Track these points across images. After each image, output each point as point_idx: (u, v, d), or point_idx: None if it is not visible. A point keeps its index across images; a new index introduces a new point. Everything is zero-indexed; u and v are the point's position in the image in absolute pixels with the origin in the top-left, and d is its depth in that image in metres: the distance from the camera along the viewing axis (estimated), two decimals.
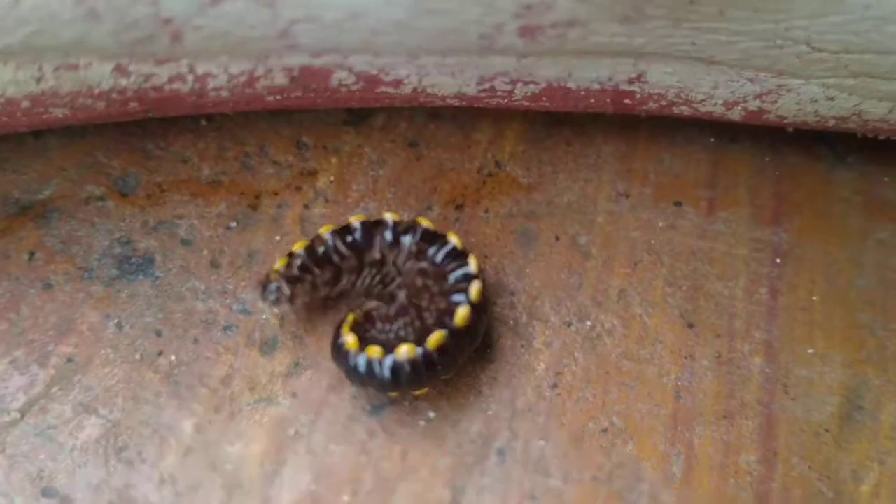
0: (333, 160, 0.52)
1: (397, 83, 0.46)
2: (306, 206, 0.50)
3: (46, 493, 0.43)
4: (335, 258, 0.45)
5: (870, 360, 0.47)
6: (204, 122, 0.53)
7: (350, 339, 0.43)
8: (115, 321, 0.47)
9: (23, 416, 0.44)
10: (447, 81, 0.46)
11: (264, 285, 0.45)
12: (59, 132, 0.51)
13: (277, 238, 0.49)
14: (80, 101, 0.44)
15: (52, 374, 0.45)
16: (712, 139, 0.53)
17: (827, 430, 0.45)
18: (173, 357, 0.46)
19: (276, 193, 0.51)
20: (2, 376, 0.45)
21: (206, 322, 0.47)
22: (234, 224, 0.50)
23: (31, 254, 0.48)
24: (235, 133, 0.52)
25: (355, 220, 0.46)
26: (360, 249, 0.46)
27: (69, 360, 0.46)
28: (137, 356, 0.46)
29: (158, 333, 0.47)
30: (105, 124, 0.51)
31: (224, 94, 0.45)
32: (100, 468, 0.43)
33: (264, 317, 0.47)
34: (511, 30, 0.42)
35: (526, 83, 0.46)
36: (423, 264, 0.46)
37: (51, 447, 0.43)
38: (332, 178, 0.51)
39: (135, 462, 0.43)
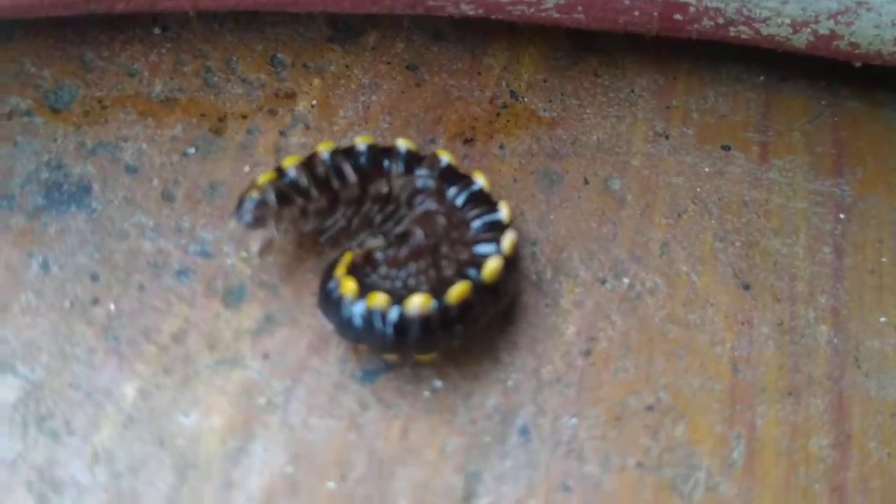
0: (316, 81, 0.44)
1: None
2: (282, 133, 0.42)
3: None
4: (334, 182, 0.37)
5: None
6: (157, 31, 0.44)
7: (348, 283, 0.35)
8: (40, 260, 0.39)
9: None
10: None
11: (241, 201, 0.36)
12: None
13: (246, 169, 0.41)
14: None
15: None
16: (762, 77, 0.47)
17: None
18: (112, 306, 0.38)
19: (244, 117, 0.43)
20: None
21: (155, 265, 0.39)
22: (192, 150, 0.41)
23: None
24: (196, 45, 0.44)
25: (361, 142, 0.38)
26: (364, 178, 0.38)
27: None
28: (67, 304, 0.38)
29: (94, 277, 0.38)
30: (36, 29, 0.43)
31: None
32: (16, 440, 0.35)
33: (229, 261, 0.39)
34: None
35: None
36: (441, 205, 0.38)
37: None
38: (314, 102, 0.43)
39: (61, 433, 0.35)
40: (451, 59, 0.46)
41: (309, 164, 0.38)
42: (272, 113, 0.43)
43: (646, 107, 0.45)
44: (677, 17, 0.41)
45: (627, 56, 0.47)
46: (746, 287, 0.41)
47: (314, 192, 0.37)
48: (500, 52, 0.46)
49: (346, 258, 0.37)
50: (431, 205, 0.38)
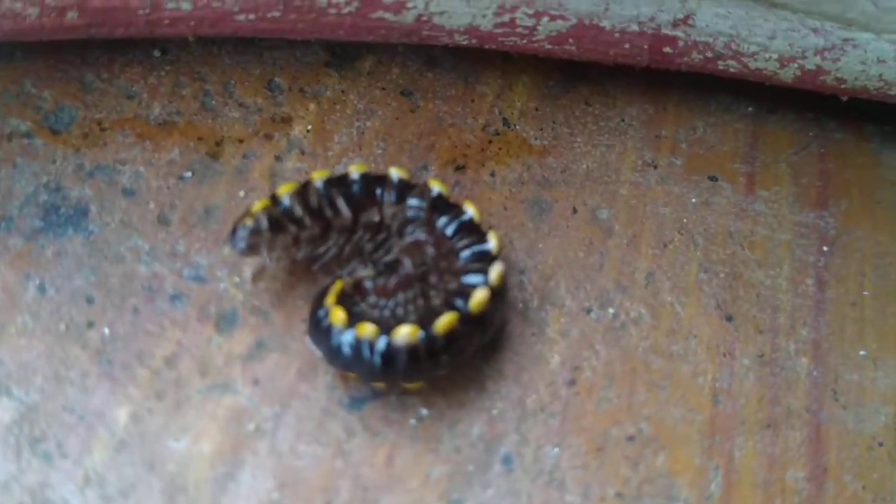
0: (312, 106, 0.44)
1: (399, 7, 0.38)
2: (278, 158, 0.42)
3: None
4: (327, 211, 0.38)
5: None
6: (157, 54, 0.44)
7: (337, 312, 0.36)
8: (37, 282, 0.39)
9: None
10: (459, 8, 0.38)
11: (235, 228, 0.37)
12: None
13: (241, 194, 0.42)
14: (6, 4, 0.36)
15: None
16: (750, 108, 0.47)
17: (881, 444, 0.39)
18: (106, 330, 0.38)
19: (241, 141, 0.43)
20: None
21: (150, 289, 0.39)
22: (188, 174, 0.42)
23: None
24: (194, 68, 0.44)
25: (355, 171, 0.39)
26: (357, 206, 0.38)
27: None
28: (62, 327, 0.38)
29: (90, 300, 0.38)
30: (36, 49, 0.43)
31: (185, 5, 0.37)
32: (9, 462, 0.35)
33: (222, 286, 0.39)
34: None
35: (553, 17, 0.39)
36: (431, 235, 0.39)
37: None
38: (309, 127, 0.44)
39: (54, 456, 0.35)
40: (444, 85, 0.46)
41: (302, 192, 0.38)
42: (268, 137, 0.43)
43: (635, 136, 0.46)
44: (667, 50, 0.41)
45: (618, 86, 0.47)
46: (729, 318, 0.41)
47: (307, 221, 0.38)
48: (494, 80, 0.46)
49: (336, 287, 0.37)
50: (421, 234, 0.39)
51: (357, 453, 0.37)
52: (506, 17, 0.39)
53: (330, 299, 0.37)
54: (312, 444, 0.36)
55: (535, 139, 0.45)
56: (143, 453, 0.36)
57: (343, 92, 0.45)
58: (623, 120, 0.46)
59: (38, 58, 0.44)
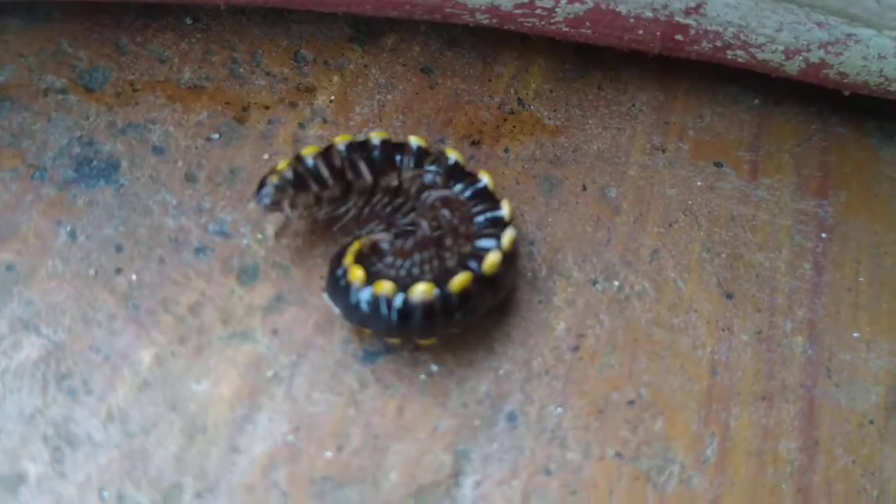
0: (335, 78, 0.46)
1: None
2: (301, 125, 0.44)
3: None
4: (349, 173, 0.39)
5: None
6: (189, 21, 0.46)
7: (355, 270, 0.37)
8: (68, 229, 0.40)
9: None
10: None
11: (261, 184, 0.38)
12: (21, 15, 0.44)
13: (265, 156, 0.43)
14: None
15: None
16: (756, 100, 0.49)
17: (871, 422, 0.41)
18: (134, 277, 0.39)
19: (267, 107, 0.44)
20: None
21: (176, 241, 0.40)
22: (215, 136, 0.43)
23: None
24: (224, 37, 0.46)
25: (376, 137, 0.40)
26: (377, 170, 0.40)
27: (9, 268, 0.39)
28: (92, 272, 0.39)
29: (118, 248, 0.40)
30: (74, 11, 0.45)
31: None
32: (36, 396, 0.37)
33: (245, 242, 0.41)
34: None
35: (571, 0, 0.41)
36: (447, 200, 0.40)
37: None
38: (332, 98, 0.45)
39: (79, 392, 0.37)
40: (463, 64, 0.48)
41: (326, 154, 0.40)
42: (293, 105, 0.45)
43: (645, 121, 0.47)
44: (679, 37, 0.43)
45: (631, 73, 0.48)
46: (729, 296, 0.43)
47: (329, 181, 0.39)
48: (511, 61, 0.48)
49: (355, 247, 0.39)
50: (438, 199, 0.40)
51: (369, 403, 0.38)
52: None
53: (348, 259, 0.38)
54: (326, 392, 0.38)
55: (549, 119, 0.46)
56: (166, 393, 0.37)
57: (366, 66, 0.47)
58: (634, 105, 0.48)
59: (74, 19, 0.45)
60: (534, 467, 0.37)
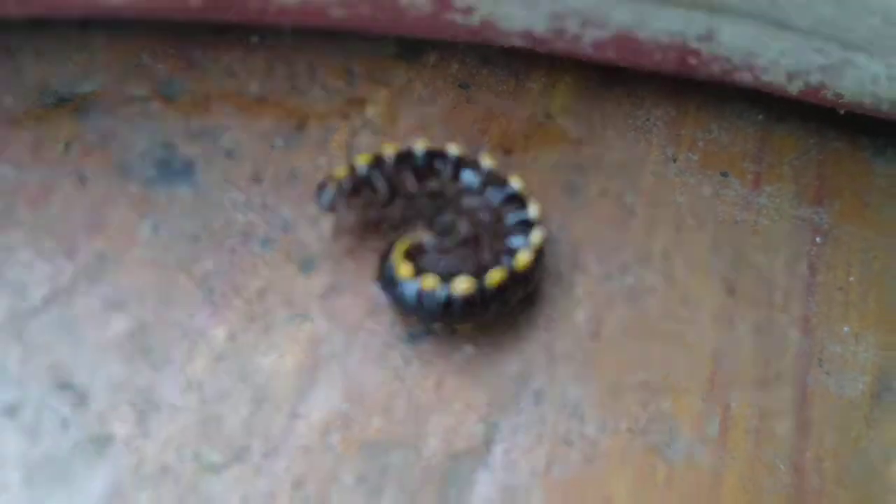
0: (383, 92, 0.51)
1: (468, 10, 0.45)
2: (353, 134, 0.49)
3: (63, 385, 0.41)
4: (396, 179, 0.44)
5: None
6: (255, 39, 0.51)
7: (404, 267, 0.42)
8: (151, 222, 0.45)
9: (45, 305, 0.42)
10: (518, 14, 0.45)
11: (321, 187, 0.43)
12: (105, 29, 0.49)
13: (322, 161, 0.48)
14: None
15: (81, 267, 0.43)
16: (760, 116, 0.53)
17: (858, 408, 0.45)
18: (209, 265, 0.44)
19: (323, 117, 0.49)
20: (26, 264, 0.43)
21: (245, 234, 0.45)
22: (279, 142, 0.48)
23: (67, 144, 0.46)
24: (285, 54, 0.51)
25: (419, 146, 0.45)
26: (420, 175, 0.45)
27: (99, 255, 0.44)
28: (172, 260, 0.44)
29: (195, 240, 0.45)
30: (153, 28, 0.49)
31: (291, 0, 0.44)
32: (123, 366, 0.41)
33: (304, 236, 0.46)
34: None
35: (597, 27, 0.46)
36: (482, 203, 0.45)
37: (72, 340, 0.42)
38: (380, 110, 0.50)
39: (161, 364, 0.42)
40: (497, 81, 0.52)
41: (376, 162, 0.44)
42: (345, 116, 0.49)
43: (659, 134, 0.51)
44: (691, 61, 0.47)
45: (647, 90, 0.53)
46: (731, 293, 0.47)
47: (379, 186, 0.44)
48: (540, 79, 0.52)
49: (402, 245, 0.43)
50: (475, 202, 0.45)
51: (412, 379, 0.43)
52: (557, 24, 0.45)
53: (397, 255, 0.43)
54: (375, 368, 0.43)
55: (573, 131, 0.51)
56: (237, 366, 0.42)
57: (410, 81, 0.51)
58: (649, 119, 0.52)
59: (154, 35, 0.50)
60: (556, 438, 0.42)
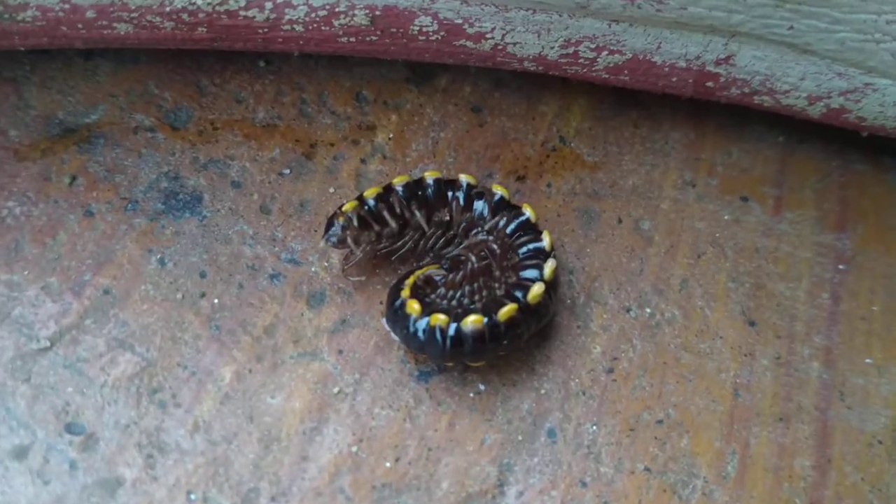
0: (393, 117, 0.50)
1: (479, 37, 0.44)
2: (363, 161, 0.48)
3: (71, 428, 0.40)
4: (405, 212, 0.43)
5: None
6: (262, 64, 0.50)
7: (412, 303, 0.41)
8: (158, 257, 0.44)
9: (52, 346, 0.41)
10: (531, 40, 0.44)
11: (329, 224, 0.43)
12: (111, 57, 0.49)
13: (331, 190, 0.47)
14: (147, 17, 0.42)
15: (87, 304, 0.43)
16: (781, 138, 0.52)
17: (881, 443, 0.44)
18: (216, 300, 0.44)
19: (332, 144, 0.49)
20: (32, 302, 0.42)
21: (253, 268, 0.45)
22: (287, 171, 0.47)
23: (73, 178, 0.45)
24: (294, 79, 0.50)
25: (429, 176, 0.44)
26: (430, 207, 0.44)
27: (106, 291, 0.43)
28: (179, 295, 0.44)
29: (202, 275, 0.44)
30: (159, 55, 0.49)
31: (298, 28, 0.43)
32: (130, 408, 0.41)
33: (313, 269, 0.45)
34: None
35: (612, 52, 0.44)
36: (494, 233, 0.44)
37: (80, 381, 0.41)
38: (391, 135, 0.49)
39: (168, 405, 0.41)
40: (510, 104, 0.51)
41: (385, 195, 0.44)
42: (355, 143, 0.49)
43: (677, 158, 0.50)
44: (709, 84, 0.46)
45: (664, 113, 0.52)
46: (752, 324, 0.46)
47: (388, 220, 0.43)
48: (553, 102, 0.51)
49: (411, 280, 0.42)
50: (485, 233, 0.44)
51: (423, 418, 0.42)
52: (570, 50, 0.44)
53: (405, 292, 0.42)
54: (386, 408, 0.42)
55: (588, 156, 0.50)
56: (245, 406, 0.41)
57: (421, 105, 0.51)
58: (667, 143, 0.51)
59: (160, 63, 0.49)
60: (571, 479, 0.41)
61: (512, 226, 0.44)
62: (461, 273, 0.43)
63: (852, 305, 0.47)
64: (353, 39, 0.44)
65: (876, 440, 0.44)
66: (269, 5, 0.41)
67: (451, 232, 0.45)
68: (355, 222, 0.43)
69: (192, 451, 0.40)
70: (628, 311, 0.46)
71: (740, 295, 0.47)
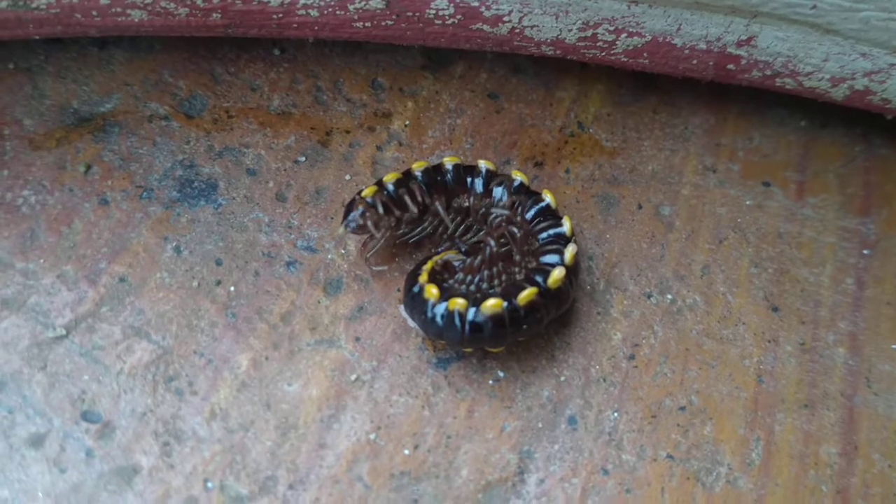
0: (409, 104, 0.49)
1: (496, 20, 0.43)
2: (379, 148, 0.48)
3: (87, 416, 0.40)
4: (425, 198, 0.43)
5: None
6: (277, 52, 0.50)
7: (430, 288, 0.40)
8: (174, 245, 0.44)
9: (68, 334, 0.41)
10: (549, 23, 0.43)
11: (348, 209, 0.42)
12: (125, 46, 0.48)
13: (347, 177, 0.47)
14: (161, 4, 0.41)
15: (103, 292, 0.42)
16: (803, 122, 0.51)
17: None
18: (232, 288, 0.43)
19: (347, 132, 0.48)
20: (48, 290, 0.42)
21: (269, 256, 0.44)
22: (302, 158, 0.47)
23: (88, 167, 0.45)
24: (309, 66, 0.50)
25: (448, 162, 0.44)
26: (450, 193, 0.43)
27: (122, 279, 0.43)
28: (195, 283, 0.43)
29: (218, 262, 0.44)
30: (173, 43, 0.48)
31: (313, 13, 0.42)
32: (147, 396, 0.40)
33: (330, 257, 0.44)
34: None
35: (630, 34, 0.44)
36: (514, 219, 0.43)
37: (96, 369, 0.41)
38: (407, 122, 0.49)
39: (185, 393, 0.41)
40: (527, 90, 0.51)
41: (405, 180, 0.43)
42: (371, 130, 0.48)
43: (697, 143, 0.50)
44: (730, 67, 0.46)
45: (684, 97, 0.51)
46: (775, 309, 0.45)
47: (409, 205, 0.43)
48: (571, 87, 0.51)
49: (429, 265, 0.42)
50: (505, 218, 0.44)
51: (442, 406, 0.41)
52: (589, 32, 0.44)
53: (423, 277, 0.41)
54: (404, 395, 0.41)
55: (607, 141, 0.50)
56: (261, 394, 0.41)
57: (437, 92, 0.50)
58: (687, 128, 0.50)
59: (174, 51, 0.49)
60: (592, 467, 0.41)
61: (532, 211, 0.44)
62: (480, 258, 0.42)
63: (877, 291, 0.46)
64: (368, 24, 0.43)
65: None
66: None
67: (471, 218, 0.44)
68: (375, 208, 0.42)
69: (208, 439, 0.40)
70: (649, 297, 0.45)
71: (763, 280, 0.46)
